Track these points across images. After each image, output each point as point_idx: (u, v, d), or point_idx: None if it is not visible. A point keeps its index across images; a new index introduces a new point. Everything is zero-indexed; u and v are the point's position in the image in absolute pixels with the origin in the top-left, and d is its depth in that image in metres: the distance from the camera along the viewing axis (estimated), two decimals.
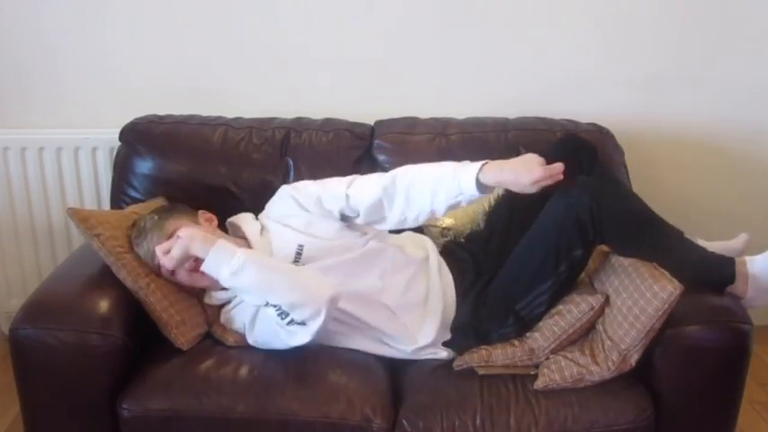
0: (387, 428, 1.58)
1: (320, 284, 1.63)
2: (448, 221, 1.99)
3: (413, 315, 1.79)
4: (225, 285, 1.66)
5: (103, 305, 1.65)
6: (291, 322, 1.61)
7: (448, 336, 1.79)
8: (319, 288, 1.62)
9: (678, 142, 2.44)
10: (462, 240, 1.96)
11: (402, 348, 1.77)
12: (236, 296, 1.77)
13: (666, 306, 1.54)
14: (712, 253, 1.72)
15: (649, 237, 1.71)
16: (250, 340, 1.73)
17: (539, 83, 2.38)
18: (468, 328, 1.77)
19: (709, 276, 1.68)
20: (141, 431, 1.62)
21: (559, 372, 1.63)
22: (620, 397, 1.62)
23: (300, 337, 1.63)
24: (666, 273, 1.59)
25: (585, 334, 1.70)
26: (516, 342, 1.72)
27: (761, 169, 2.51)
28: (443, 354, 1.78)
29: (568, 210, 1.64)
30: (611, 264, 1.72)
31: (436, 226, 2.00)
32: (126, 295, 1.70)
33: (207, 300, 1.82)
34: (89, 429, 1.65)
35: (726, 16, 2.34)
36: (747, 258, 1.69)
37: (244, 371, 1.64)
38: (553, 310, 1.70)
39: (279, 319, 1.62)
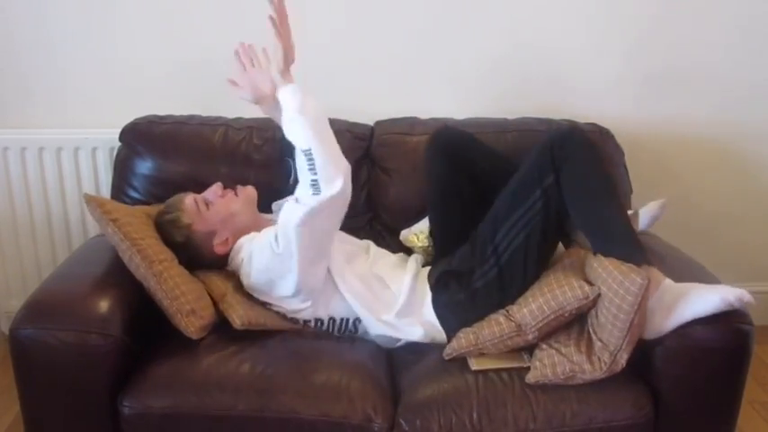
0: (387, 428, 1.58)
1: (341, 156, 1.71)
2: (423, 240, 2.03)
3: (398, 285, 1.87)
4: (288, 114, 1.71)
5: (103, 305, 1.65)
6: (315, 183, 1.65)
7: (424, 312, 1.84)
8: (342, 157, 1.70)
9: (678, 142, 2.45)
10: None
11: (386, 318, 1.82)
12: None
13: (640, 299, 1.53)
14: (637, 240, 1.70)
15: (596, 197, 1.71)
16: (279, 248, 1.74)
17: (539, 83, 2.39)
18: (450, 276, 1.82)
19: (617, 257, 1.64)
20: (142, 429, 1.61)
21: (552, 367, 1.62)
22: (618, 393, 1.62)
23: (320, 199, 1.66)
24: (631, 265, 1.58)
25: (573, 322, 1.70)
26: (502, 319, 1.71)
27: (760, 169, 2.51)
28: (420, 331, 1.81)
29: (545, 142, 1.76)
30: (589, 267, 1.71)
31: (420, 246, 2.03)
32: (126, 295, 1.71)
33: (235, 258, 1.86)
34: (89, 429, 1.65)
35: (726, 16, 2.34)
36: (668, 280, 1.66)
37: (245, 369, 1.64)
38: (546, 287, 1.69)
39: (308, 172, 1.66)
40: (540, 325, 1.66)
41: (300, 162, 1.68)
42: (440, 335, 1.81)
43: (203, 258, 1.88)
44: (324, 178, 1.65)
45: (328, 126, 1.72)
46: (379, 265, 1.93)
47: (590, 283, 1.65)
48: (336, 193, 1.65)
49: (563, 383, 1.62)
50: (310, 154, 1.65)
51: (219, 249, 1.88)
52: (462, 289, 1.80)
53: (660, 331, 1.62)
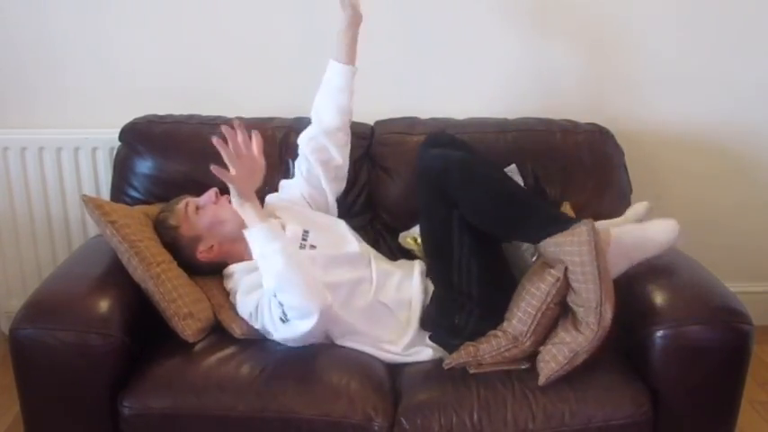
0: (387, 427, 1.58)
1: (319, 293, 1.65)
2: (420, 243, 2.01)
3: (405, 311, 1.84)
4: (254, 256, 1.71)
5: (103, 305, 1.65)
6: (283, 317, 1.65)
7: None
8: (317, 296, 1.64)
9: (678, 142, 2.44)
10: None
11: (394, 350, 1.80)
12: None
13: (590, 245, 1.55)
14: (558, 212, 1.74)
15: (500, 208, 1.71)
16: (257, 326, 1.75)
17: (539, 83, 2.39)
18: (436, 324, 1.80)
19: (553, 231, 1.66)
20: (142, 430, 1.62)
21: (553, 359, 1.62)
22: (617, 392, 1.62)
23: (291, 332, 1.66)
24: (568, 215, 1.64)
25: (560, 311, 1.70)
26: (499, 333, 1.71)
27: (760, 169, 2.51)
28: (429, 352, 1.80)
29: (427, 188, 1.78)
30: (544, 256, 1.72)
31: (418, 250, 2.01)
32: (126, 295, 1.71)
33: (226, 282, 1.85)
34: (89, 429, 1.65)
35: (726, 16, 2.34)
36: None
37: (245, 369, 1.64)
38: (523, 292, 1.69)
39: (279, 311, 1.64)
40: (533, 327, 1.66)
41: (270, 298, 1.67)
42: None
43: (191, 261, 1.84)
44: (293, 316, 1.64)
45: (297, 266, 1.65)
46: (384, 288, 1.86)
47: (553, 265, 1.66)
48: (300, 334, 1.65)
49: (571, 368, 1.61)
50: (276, 297, 1.64)
51: (203, 256, 1.84)
52: (456, 335, 1.76)
53: (620, 270, 1.69)
